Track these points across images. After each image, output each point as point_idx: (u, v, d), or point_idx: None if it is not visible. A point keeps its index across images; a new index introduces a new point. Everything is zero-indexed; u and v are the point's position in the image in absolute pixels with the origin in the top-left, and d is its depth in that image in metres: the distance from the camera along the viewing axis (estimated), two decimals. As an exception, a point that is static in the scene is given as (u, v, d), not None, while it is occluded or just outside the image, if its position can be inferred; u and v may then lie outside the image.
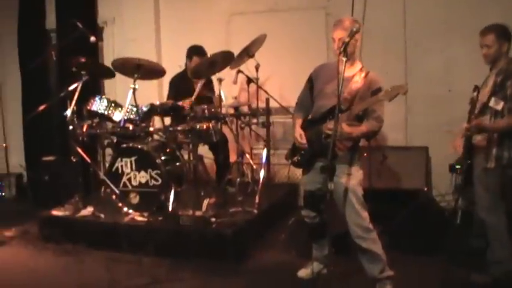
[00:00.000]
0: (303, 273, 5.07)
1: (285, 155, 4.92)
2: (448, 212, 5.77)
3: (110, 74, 6.76)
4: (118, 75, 6.72)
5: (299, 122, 4.74)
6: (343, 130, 4.23)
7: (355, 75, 4.45)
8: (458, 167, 5.28)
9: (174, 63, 7.24)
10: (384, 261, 4.49)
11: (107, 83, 8.77)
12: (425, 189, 6.62)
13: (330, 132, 4.25)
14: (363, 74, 4.45)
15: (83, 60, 6.49)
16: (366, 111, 4.38)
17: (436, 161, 6.94)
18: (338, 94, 4.04)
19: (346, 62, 4.10)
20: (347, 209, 4.39)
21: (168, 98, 7.09)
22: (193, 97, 6.19)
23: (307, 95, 4.78)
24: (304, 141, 4.59)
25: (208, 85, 7.15)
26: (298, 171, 7.29)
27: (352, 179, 4.41)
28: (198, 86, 6.25)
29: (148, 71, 6.43)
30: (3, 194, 9.04)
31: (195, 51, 7.07)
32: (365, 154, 6.68)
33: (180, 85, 7.09)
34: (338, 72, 4.10)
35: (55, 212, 6.57)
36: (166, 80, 7.19)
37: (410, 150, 6.97)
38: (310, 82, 4.77)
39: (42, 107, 6.74)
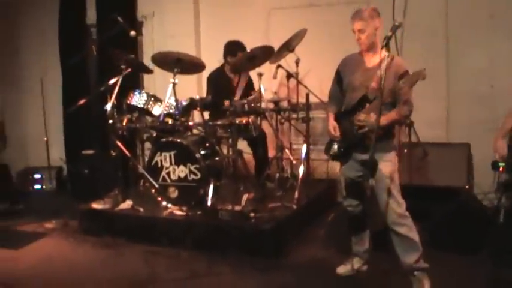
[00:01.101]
0: (342, 269, 5.01)
1: (324, 149, 4.88)
2: (491, 211, 5.66)
3: (149, 69, 6.78)
4: (157, 70, 6.75)
5: (332, 115, 4.74)
6: (373, 120, 4.19)
7: (380, 63, 4.37)
8: (501, 164, 5.18)
9: (213, 58, 7.21)
10: (421, 251, 4.44)
11: (146, 77, 8.80)
12: (467, 186, 6.50)
13: (360, 123, 4.34)
14: (388, 60, 4.39)
15: (124, 55, 6.53)
16: (395, 97, 4.35)
17: (478, 158, 6.81)
18: (367, 86, 4.01)
19: (368, 51, 4.35)
20: (384, 195, 4.34)
21: (207, 94, 7.07)
22: (236, 97, 6.20)
23: (337, 88, 4.79)
24: (337, 133, 4.59)
25: (248, 80, 7.13)
26: (338, 167, 7.33)
27: (389, 165, 4.37)
28: (239, 87, 6.28)
29: (188, 65, 6.44)
30: (43, 186, 9.14)
31: (232, 47, 7.04)
32: (405, 150, 6.61)
33: (219, 81, 7.08)
34: (364, 63, 4.34)
35: (95, 205, 6.63)
36: (205, 74, 7.18)
37: (451, 147, 6.84)
38: (338, 75, 4.78)
39: (82, 101, 6.78)
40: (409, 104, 4.37)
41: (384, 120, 4.23)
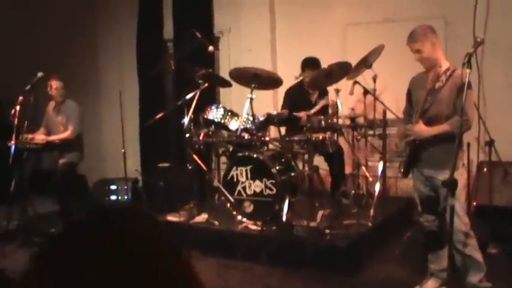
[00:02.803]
0: (418, 290, 4.91)
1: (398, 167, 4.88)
2: None
3: (228, 83, 6.84)
4: (233, 85, 6.83)
5: (399, 132, 4.82)
6: (418, 129, 4.32)
7: (440, 76, 4.43)
8: None
9: (289, 74, 7.19)
10: (484, 271, 4.41)
11: (222, 92, 8.91)
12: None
13: (407, 132, 4.52)
14: (448, 73, 4.40)
15: (203, 70, 6.62)
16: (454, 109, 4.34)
17: None
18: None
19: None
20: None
21: (283, 108, 7.09)
22: (313, 111, 6.19)
23: (409, 109, 4.84)
24: (397, 149, 4.72)
25: (324, 96, 7.12)
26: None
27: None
28: (319, 104, 6.27)
29: (266, 80, 6.48)
30: (119, 197, 9.30)
31: (308, 63, 7.02)
32: (485, 169, 6.45)
33: (296, 97, 7.07)
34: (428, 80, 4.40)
35: (170, 218, 6.72)
36: (281, 90, 7.20)
37: (534, 167, 6.62)
38: (408, 94, 4.87)
39: (159, 115, 6.90)
40: (464, 114, 4.20)
41: (432, 130, 4.31)
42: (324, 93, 7.10)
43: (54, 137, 7.52)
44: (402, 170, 4.73)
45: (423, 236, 4.88)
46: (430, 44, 4.42)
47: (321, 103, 6.58)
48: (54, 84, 7.44)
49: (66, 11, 10.42)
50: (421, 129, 4.39)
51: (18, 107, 6.37)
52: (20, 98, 6.37)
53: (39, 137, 7.50)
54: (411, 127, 4.44)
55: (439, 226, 4.68)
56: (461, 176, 4.40)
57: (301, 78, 7.11)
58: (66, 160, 7.54)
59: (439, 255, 4.76)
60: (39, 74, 6.08)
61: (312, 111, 6.42)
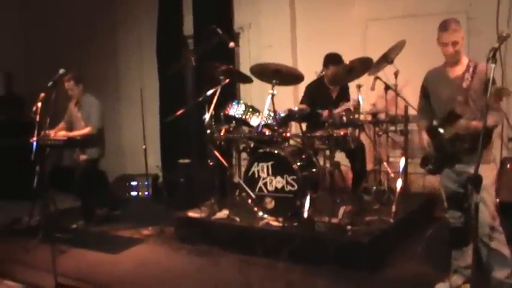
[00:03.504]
0: (441, 287, 4.84)
1: (419, 163, 4.78)
2: None
3: (248, 79, 6.84)
4: (253, 80, 6.82)
5: (424, 129, 4.67)
6: (465, 126, 4.20)
7: (464, 73, 4.34)
8: None
9: (310, 70, 7.16)
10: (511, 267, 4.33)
11: (243, 88, 8.91)
12: None
13: (461, 132, 4.28)
14: (471, 69, 4.32)
15: (223, 66, 6.63)
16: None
17: None
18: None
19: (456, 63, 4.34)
20: (479, 207, 4.12)
21: (302, 102, 7.04)
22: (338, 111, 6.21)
23: (425, 102, 4.75)
24: (429, 149, 4.56)
25: (345, 92, 7.11)
26: (435, 181, 7.14)
27: (487, 177, 4.17)
28: (342, 106, 6.26)
29: (286, 76, 6.46)
30: (139, 193, 9.33)
31: (330, 60, 6.98)
32: (508, 166, 6.38)
33: (317, 92, 7.04)
34: (447, 74, 4.39)
35: (191, 214, 6.72)
36: (302, 86, 7.15)
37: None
38: (424, 90, 4.75)
39: (180, 111, 6.89)
40: (499, 110, 4.26)
41: (478, 125, 4.11)
42: (344, 91, 7.10)
43: (75, 133, 7.58)
44: (432, 167, 4.62)
45: (448, 232, 4.81)
46: (461, 38, 4.35)
47: (345, 106, 6.54)
48: (66, 85, 7.52)
49: (86, 9, 10.49)
50: (471, 125, 4.21)
51: (39, 104, 6.38)
52: (42, 94, 6.38)
53: (61, 133, 7.55)
54: (468, 125, 4.22)
55: (464, 223, 4.59)
56: (491, 171, 4.40)
57: (322, 74, 7.09)
58: (87, 156, 7.59)
59: (463, 252, 4.69)
60: (61, 71, 6.08)
61: (335, 112, 6.37)
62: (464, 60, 4.43)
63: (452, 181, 4.54)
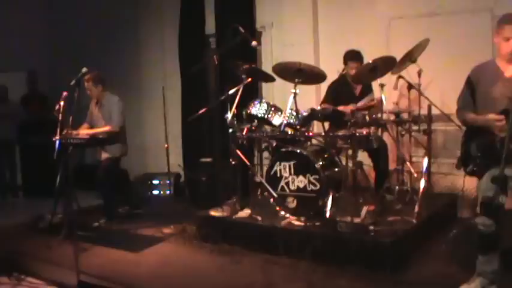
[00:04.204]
0: (466, 288, 4.79)
1: (455, 164, 4.67)
2: None
3: (271, 78, 6.84)
4: (276, 79, 6.81)
5: (479, 115, 4.43)
6: None
7: None
8: None
9: (332, 69, 7.15)
10: None
11: (265, 87, 8.90)
12: None
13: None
14: None
15: (246, 65, 6.63)
16: None
17: None
18: None
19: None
20: None
21: (324, 101, 7.04)
22: (359, 104, 6.15)
23: (470, 99, 4.55)
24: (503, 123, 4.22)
25: (369, 88, 7.09)
26: (458, 181, 7.06)
27: None
28: (366, 99, 6.23)
29: (309, 75, 6.43)
30: (161, 192, 9.37)
31: (349, 56, 7.02)
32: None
33: (340, 90, 7.04)
34: (502, 73, 4.03)
35: (213, 212, 6.71)
36: (324, 85, 7.12)
37: None
38: (471, 84, 4.54)
39: (202, 110, 6.89)
40: None
41: None
42: (368, 88, 7.07)
43: (96, 130, 7.62)
44: (476, 169, 4.45)
45: (477, 237, 4.57)
46: None
47: (368, 99, 6.49)
48: (85, 86, 7.58)
49: (108, 8, 10.54)
50: None
51: (62, 103, 6.42)
52: (65, 93, 6.43)
53: (83, 131, 7.59)
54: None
55: (495, 231, 4.39)
56: None
57: (344, 72, 7.10)
58: (109, 155, 7.63)
59: (490, 257, 4.56)
60: (84, 70, 6.13)
61: (359, 104, 6.33)
62: None
63: (495, 188, 4.22)
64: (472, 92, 4.51)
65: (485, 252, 4.58)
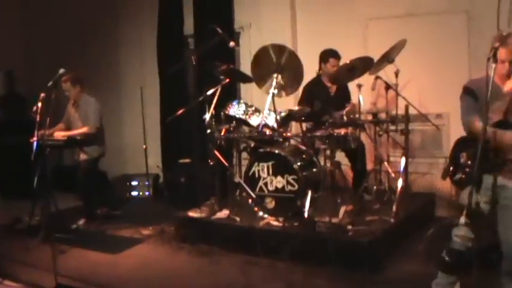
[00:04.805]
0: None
1: (441, 175, 4.60)
2: None
3: (249, 79, 6.87)
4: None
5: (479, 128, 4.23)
6: None
7: None
8: None
9: (311, 69, 7.13)
10: None
11: (243, 88, 8.90)
12: None
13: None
14: None
15: (224, 66, 6.63)
16: None
17: None
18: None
19: None
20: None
21: (300, 103, 7.04)
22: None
23: (473, 100, 4.18)
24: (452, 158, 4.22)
25: (344, 89, 7.14)
26: (437, 181, 7.10)
27: None
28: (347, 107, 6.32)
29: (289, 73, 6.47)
30: (140, 193, 9.33)
31: (330, 53, 7.02)
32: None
33: (315, 91, 7.05)
34: (500, 88, 3.89)
35: (191, 214, 6.71)
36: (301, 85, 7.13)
37: None
38: (473, 94, 4.18)
39: (181, 111, 6.87)
40: None
41: None
42: (343, 88, 7.15)
43: (73, 132, 7.59)
44: (464, 177, 4.37)
45: (448, 254, 4.30)
46: None
47: (350, 105, 6.55)
48: (63, 86, 7.50)
49: (87, 8, 10.46)
50: None
51: (40, 104, 6.36)
52: (42, 94, 6.37)
53: (60, 133, 7.54)
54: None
55: (470, 250, 4.12)
56: None
57: (320, 72, 7.15)
58: (87, 156, 7.58)
59: (451, 282, 4.33)
60: (61, 71, 6.05)
61: (343, 112, 6.36)
62: None
63: (486, 197, 4.00)
64: (475, 100, 4.15)
65: (454, 272, 4.33)
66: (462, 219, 4.09)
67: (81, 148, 7.58)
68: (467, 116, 4.21)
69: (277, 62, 6.44)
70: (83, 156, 7.60)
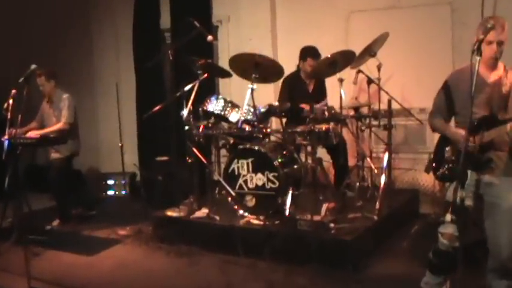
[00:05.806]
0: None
1: (424, 168, 4.52)
2: None
3: (227, 74, 6.76)
4: (233, 75, 6.73)
5: (451, 126, 4.31)
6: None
7: (501, 78, 4.04)
8: None
9: (291, 63, 7.05)
10: None
11: (222, 83, 8.81)
12: None
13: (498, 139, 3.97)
14: (509, 74, 4.03)
15: (202, 60, 6.53)
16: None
17: None
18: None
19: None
20: (506, 230, 3.93)
21: (280, 98, 6.98)
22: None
23: (444, 105, 4.31)
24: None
25: (321, 85, 7.09)
26: (420, 177, 7.04)
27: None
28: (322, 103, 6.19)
29: (267, 71, 6.34)
30: (116, 192, 9.21)
31: (309, 52, 6.94)
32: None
33: (294, 86, 7.00)
34: (483, 79, 3.93)
35: (170, 213, 6.62)
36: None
37: None
38: (448, 90, 4.27)
39: (157, 108, 6.73)
40: None
41: None
42: (321, 84, 7.10)
43: (47, 130, 7.43)
44: (447, 173, 4.23)
45: (435, 254, 4.28)
46: (506, 40, 3.96)
47: (324, 102, 6.51)
48: (38, 81, 7.40)
49: (59, 2, 10.28)
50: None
51: (11, 101, 6.20)
52: (13, 91, 6.20)
53: (33, 132, 7.37)
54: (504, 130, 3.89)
55: (455, 252, 4.07)
56: None
57: (299, 67, 7.09)
58: (60, 155, 7.43)
59: (439, 283, 4.32)
60: (33, 67, 5.89)
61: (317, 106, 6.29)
62: (501, 66, 4.10)
63: (471, 193, 4.06)
64: (447, 98, 4.28)
65: (440, 272, 4.31)
66: (448, 217, 3.95)
67: (53, 146, 7.42)
68: (432, 117, 4.44)
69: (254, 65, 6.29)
70: (55, 155, 7.45)
